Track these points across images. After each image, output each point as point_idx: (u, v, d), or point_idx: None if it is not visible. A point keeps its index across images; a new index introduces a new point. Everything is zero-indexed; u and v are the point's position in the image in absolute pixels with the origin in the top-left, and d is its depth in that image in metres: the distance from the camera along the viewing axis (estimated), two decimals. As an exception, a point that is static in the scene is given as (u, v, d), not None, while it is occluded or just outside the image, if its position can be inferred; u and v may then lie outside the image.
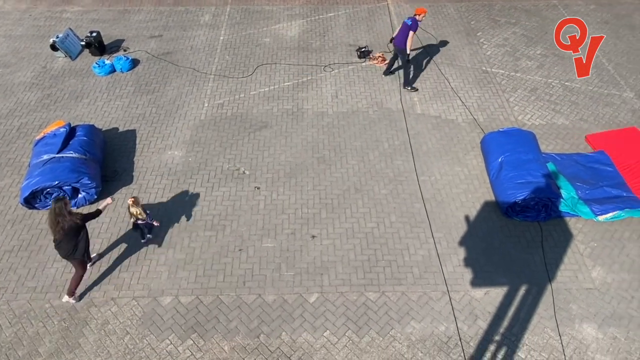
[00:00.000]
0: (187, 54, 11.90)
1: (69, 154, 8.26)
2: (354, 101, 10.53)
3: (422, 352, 6.53)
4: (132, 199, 7.16)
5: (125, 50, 12.00)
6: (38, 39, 12.35)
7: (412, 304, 7.04)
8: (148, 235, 7.70)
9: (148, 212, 7.41)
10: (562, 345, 6.62)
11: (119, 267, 7.44)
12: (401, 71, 10.89)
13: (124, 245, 7.73)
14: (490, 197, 8.51)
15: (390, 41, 10.57)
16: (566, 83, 11.12)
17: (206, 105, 10.43)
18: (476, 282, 7.31)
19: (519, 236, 7.94)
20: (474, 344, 6.62)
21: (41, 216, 8.10)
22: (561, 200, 8.06)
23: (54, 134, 8.55)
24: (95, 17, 13.27)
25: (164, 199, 8.40)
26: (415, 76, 11.17)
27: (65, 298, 6.93)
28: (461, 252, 7.70)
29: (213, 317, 6.87)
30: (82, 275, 6.88)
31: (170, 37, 12.49)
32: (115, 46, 12.14)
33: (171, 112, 10.23)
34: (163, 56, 11.81)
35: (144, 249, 7.66)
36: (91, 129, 9.01)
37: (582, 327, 6.82)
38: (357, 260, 7.58)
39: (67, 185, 7.92)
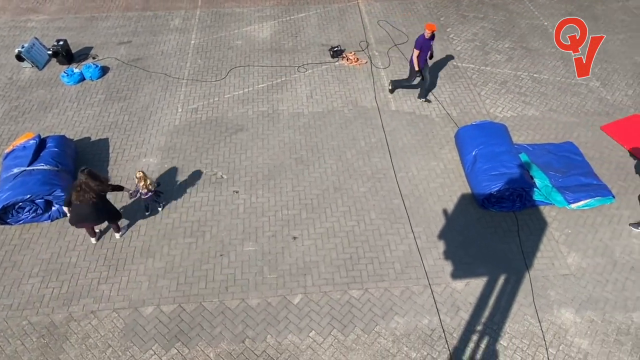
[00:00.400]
0: (158, 59, 11.75)
1: (40, 166, 8.06)
2: (329, 101, 10.56)
3: (407, 347, 6.60)
4: (141, 172, 7.59)
5: (94, 58, 11.76)
6: (2, 49, 12.00)
7: (395, 299, 7.12)
8: (159, 208, 8.28)
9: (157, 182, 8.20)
10: (542, 331, 6.79)
11: (97, 279, 7.31)
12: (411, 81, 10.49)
13: (101, 257, 7.59)
14: (467, 190, 8.65)
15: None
16: (535, 75, 11.38)
17: (180, 110, 10.31)
18: (456, 274, 7.42)
19: (495, 227, 8.10)
20: (457, 335, 6.73)
21: (14, 231, 7.89)
22: (535, 189, 8.25)
23: (24, 147, 8.33)
24: (62, 25, 12.97)
25: (141, 208, 8.28)
26: (398, 77, 11.27)
27: (117, 235, 7.83)
28: (441, 245, 7.81)
29: (196, 325, 6.81)
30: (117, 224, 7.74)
31: (140, 42, 12.30)
32: (84, 54, 11.89)
33: (144, 119, 10.08)
34: (133, 62, 11.63)
35: (122, 260, 7.54)
36: (62, 140, 8.81)
37: (560, 312, 7.00)
38: (339, 259, 7.62)
39: (39, 199, 7.73)
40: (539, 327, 6.83)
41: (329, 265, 7.54)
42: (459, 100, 10.62)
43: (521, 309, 7.03)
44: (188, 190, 8.61)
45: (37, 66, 11.35)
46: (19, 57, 11.17)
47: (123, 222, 7.98)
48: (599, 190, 8.28)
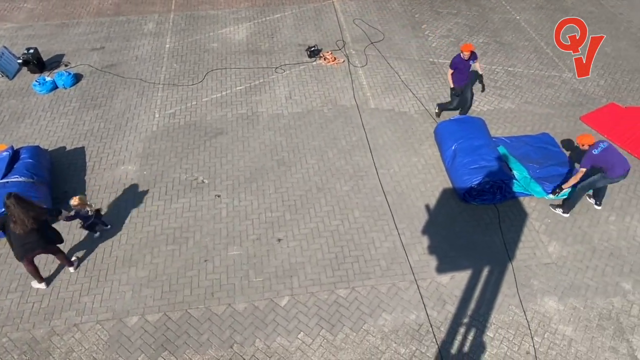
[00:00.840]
0: (133, 64, 11.56)
1: (15, 178, 7.85)
2: (308, 101, 10.55)
3: (395, 343, 6.63)
4: (77, 199, 7.28)
5: (66, 65, 11.51)
6: (-31, 59, 11.65)
7: (382, 296, 7.14)
8: (105, 227, 7.91)
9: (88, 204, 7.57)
10: (527, 321, 6.89)
11: (79, 291, 7.14)
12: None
13: (82, 269, 7.42)
14: (448, 184, 8.74)
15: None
16: (509, 68, 11.56)
17: (157, 115, 10.16)
18: (441, 268, 7.49)
19: (477, 220, 8.20)
20: (445, 329, 6.79)
21: (-11, 247, 7.67)
22: (514, 181, 8.38)
23: (-4, 159, 8.10)
24: (32, 33, 12.66)
25: (121, 216, 8.13)
26: (375, 75, 11.32)
27: (72, 270, 7.36)
28: (425, 241, 7.87)
29: (183, 333, 6.72)
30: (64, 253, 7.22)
31: (114, 48, 12.09)
32: (56, 62, 11.62)
33: (121, 126, 9.90)
34: (107, 68, 11.41)
35: (103, 270, 7.39)
36: (36, 150, 8.60)
37: (544, 300, 7.13)
38: (325, 259, 7.61)
39: (15, 212, 7.51)
40: (524, 317, 6.94)
41: (315, 265, 7.52)
42: (436, 96, 10.72)
43: (506, 300, 7.13)
44: (169, 197, 8.49)
45: (7, 76, 11.05)
46: (-12, 67, 10.87)
47: (72, 254, 7.57)
48: (576, 179, 8.43)
